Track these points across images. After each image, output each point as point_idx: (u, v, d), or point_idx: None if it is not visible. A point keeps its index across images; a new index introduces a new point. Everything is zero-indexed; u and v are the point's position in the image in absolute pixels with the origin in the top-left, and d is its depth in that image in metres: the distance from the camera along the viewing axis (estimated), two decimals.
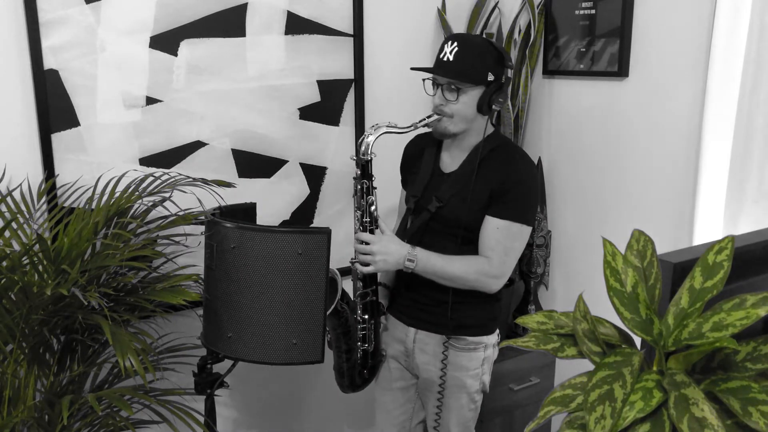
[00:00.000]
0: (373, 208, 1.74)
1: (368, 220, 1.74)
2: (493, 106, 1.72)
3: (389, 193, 2.05)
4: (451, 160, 1.82)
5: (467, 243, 1.75)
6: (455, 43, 1.68)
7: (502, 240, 1.71)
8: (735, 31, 1.85)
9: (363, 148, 1.71)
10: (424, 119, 1.72)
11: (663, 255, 1.03)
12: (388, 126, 1.71)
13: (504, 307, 2.49)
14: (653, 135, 2.16)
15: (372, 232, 1.74)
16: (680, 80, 2.06)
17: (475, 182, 1.72)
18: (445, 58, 1.68)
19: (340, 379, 1.90)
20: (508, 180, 1.70)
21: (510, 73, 1.75)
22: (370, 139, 1.70)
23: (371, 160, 1.72)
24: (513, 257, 1.75)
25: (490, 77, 1.69)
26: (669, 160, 2.12)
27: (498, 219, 1.71)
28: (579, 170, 2.44)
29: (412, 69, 1.77)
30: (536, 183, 1.75)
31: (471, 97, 1.69)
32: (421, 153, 1.89)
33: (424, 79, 1.78)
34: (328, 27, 2.27)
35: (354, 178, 1.75)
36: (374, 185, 1.75)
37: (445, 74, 1.68)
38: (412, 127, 1.72)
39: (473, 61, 1.67)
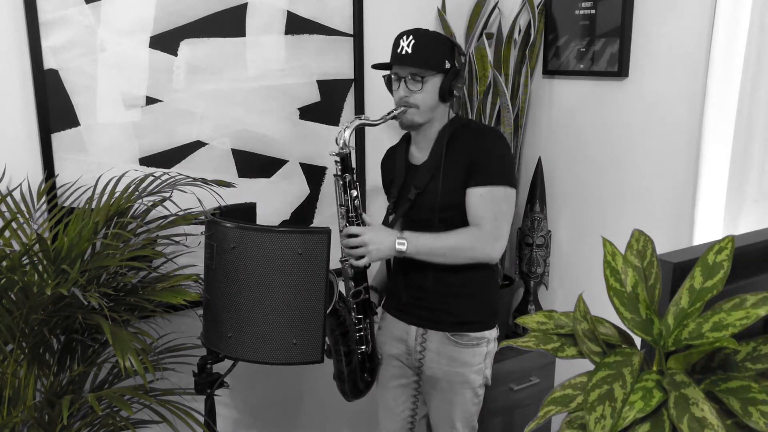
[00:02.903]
0: (357, 202, 1.76)
1: (353, 214, 1.76)
2: (454, 92, 1.78)
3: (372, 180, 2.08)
4: (420, 153, 1.87)
5: (450, 226, 1.77)
6: (411, 37, 1.74)
7: (488, 205, 1.74)
8: (735, 31, 1.85)
9: (341, 143, 1.74)
10: (392, 112, 1.78)
11: (663, 255, 1.03)
12: (360, 119, 1.77)
13: (504, 307, 2.49)
14: (653, 135, 2.16)
15: (358, 226, 1.76)
16: (680, 80, 2.06)
17: (447, 162, 1.77)
18: (403, 52, 1.74)
19: (342, 385, 1.90)
20: (479, 150, 1.75)
21: (464, 59, 1.83)
22: (347, 133, 1.74)
23: (350, 153, 1.76)
24: (504, 220, 1.77)
25: (447, 65, 1.76)
26: (669, 159, 2.12)
27: (479, 187, 1.74)
28: (579, 170, 2.44)
29: (373, 67, 1.84)
30: (507, 148, 1.81)
31: (433, 84, 1.76)
32: (393, 160, 1.94)
33: (384, 76, 1.83)
34: (328, 27, 2.27)
35: (335, 175, 1.77)
36: (355, 179, 1.77)
37: (408, 64, 1.74)
38: (382, 120, 1.78)
39: (431, 50, 1.74)
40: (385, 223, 1.89)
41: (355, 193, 1.76)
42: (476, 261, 1.76)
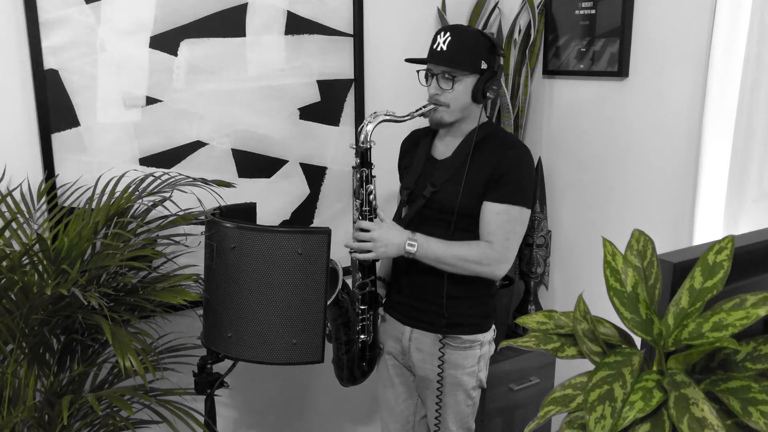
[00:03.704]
0: (372, 196, 1.75)
1: (367, 209, 1.75)
2: (488, 94, 1.74)
3: (387, 183, 2.06)
4: (444, 148, 1.84)
5: (460, 230, 1.76)
6: (448, 34, 1.71)
7: (503, 224, 1.72)
8: (735, 31, 1.85)
9: (362, 136, 1.73)
10: (421, 109, 1.75)
11: (663, 255, 1.03)
12: (386, 114, 1.74)
13: (504, 307, 2.49)
14: (653, 135, 2.16)
15: (371, 220, 1.75)
16: (680, 80, 2.06)
17: (470, 167, 1.74)
18: (438, 48, 1.71)
19: (339, 371, 1.90)
20: (504, 164, 1.72)
21: (502, 60, 1.78)
22: (369, 127, 1.72)
23: (370, 148, 1.74)
24: (515, 241, 1.75)
25: (483, 65, 1.72)
26: (669, 159, 2.12)
27: (497, 203, 1.72)
28: (579, 170, 2.44)
29: (407, 60, 1.81)
30: (532, 166, 1.78)
31: (465, 85, 1.72)
32: (415, 146, 1.92)
33: (418, 71, 1.81)
34: (328, 27, 2.27)
35: (353, 167, 1.76)
36: (373, 174, 1.76)
37: (440, 63, 1.71)
38: (410, 117, 1.75)
39: (466, 50, 1.70)
40: (399, 212, 1.88)
41: (371, 187, 1.75)
42: (479, 276, 1.75)
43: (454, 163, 1.78)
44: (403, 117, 1.75)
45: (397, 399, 1.99)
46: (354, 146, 1.74)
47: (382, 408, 2.04)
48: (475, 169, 1.74)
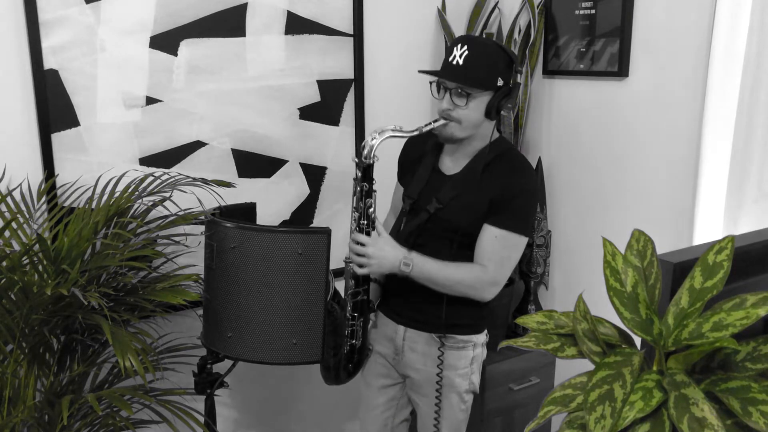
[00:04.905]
0: (371, 210, 1.72)
1: (365, 222, 1.71)
2: (501, 112, 1.70)
3: (388, 196, 2.04)
4: (452, 163, 1.80)
5: (462, 248, 1.74)
6: (465, 47, 1.63)
7: (499, 249, 1.70)
8: (735, 31, 1.85)
9: (366, 151, 1.67)
10: (431, 123, 1.68)
11: (663, 255, 1.03)
12: (393, 130, 1.66)
13: (504, 307, 2.50)
14: (653, 135, 2.16)
15: (368, 234, 1.72)
16: (680, 80, 2.06)
17: (478, 188, 1.71)
18: (454, 62, 1.64)
19: (326, 372, 1.89)
20: (511, 189, 1.68)
21: (519, 77, 1.72)
22: (374, 143, 1.66)
23: (373, 164, 1.69)
24: (509, 267, 1.74)
25: (500, 82, 1.66)
26: (669, 159, 2.12)
27: (497, 228, 1.69)
28: (579, 170, 2.44)
29: (420, 72, 1.75)
30: (537, 194, 1.74)
31: (480, 102, 1.66)
32: (421, 152, 1.87)
33: (431, 82, 1.74)
34: (328, 27, 2.27)
35: (354, 180, 1.73)
36: (374, 188, 1.73)
37: (455, 79, 1.64)
38: (417, 131, 1.68)
39: (483, 66, 1.63)
40: (399, 220, 1.85)
41: (370, 201, 1.71)
42: (468, 297, 1.73)
43: (462, 182, 1.74)
44: (411, 132, 1.68)
45: (377, 400, 1.97)
46: (356, 160, 1.69)
47: (362, 407, 2.02)
48: (483, 189, 1.70)
